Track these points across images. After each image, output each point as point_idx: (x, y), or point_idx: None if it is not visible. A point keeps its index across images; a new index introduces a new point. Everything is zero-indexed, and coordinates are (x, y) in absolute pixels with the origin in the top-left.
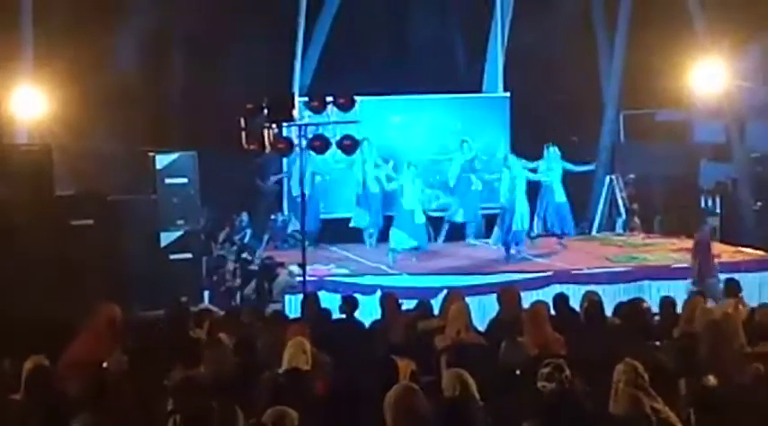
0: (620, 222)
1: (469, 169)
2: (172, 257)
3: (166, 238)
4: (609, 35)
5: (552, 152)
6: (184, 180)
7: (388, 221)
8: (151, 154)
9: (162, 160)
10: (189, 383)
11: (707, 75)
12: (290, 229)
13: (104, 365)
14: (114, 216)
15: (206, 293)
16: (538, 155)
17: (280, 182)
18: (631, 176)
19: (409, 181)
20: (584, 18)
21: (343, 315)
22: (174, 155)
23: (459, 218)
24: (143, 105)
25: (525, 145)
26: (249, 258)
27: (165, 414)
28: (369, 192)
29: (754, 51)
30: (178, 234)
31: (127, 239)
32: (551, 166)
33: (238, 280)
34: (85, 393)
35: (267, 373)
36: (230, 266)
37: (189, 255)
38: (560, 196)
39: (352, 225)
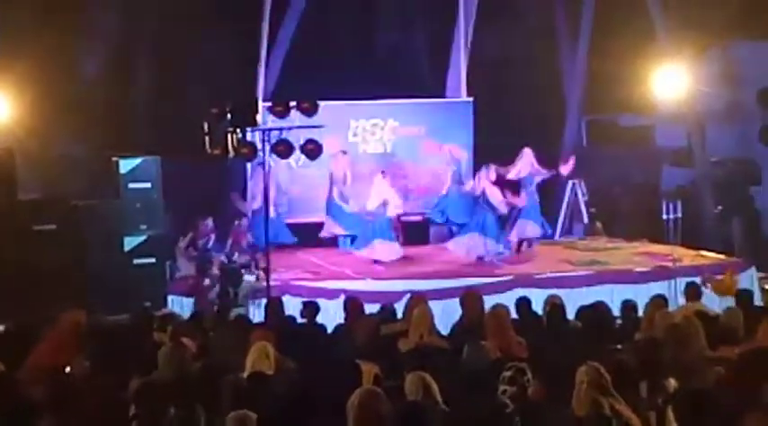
0: (581, 226)
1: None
2: (135, 262)
3: (130, 243)
4: (572, 41)
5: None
6: (148, 184)
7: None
8: (114, 158)
9: (125, 164)
10: (150, 388)
11: (669, 81)
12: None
13: (67, 370)
14: (78, 220)
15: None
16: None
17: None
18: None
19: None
20: (547, 24)
21: (305, 320)
22: (137, 160)
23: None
24: (106, 109)
25: (488, 150)
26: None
27: (127, 419)
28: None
29: (715, 57)
30: (142, 238)
31: (90, 244)
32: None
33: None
34: (48, 398)
35: (230, 377)
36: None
37: (152, 260)
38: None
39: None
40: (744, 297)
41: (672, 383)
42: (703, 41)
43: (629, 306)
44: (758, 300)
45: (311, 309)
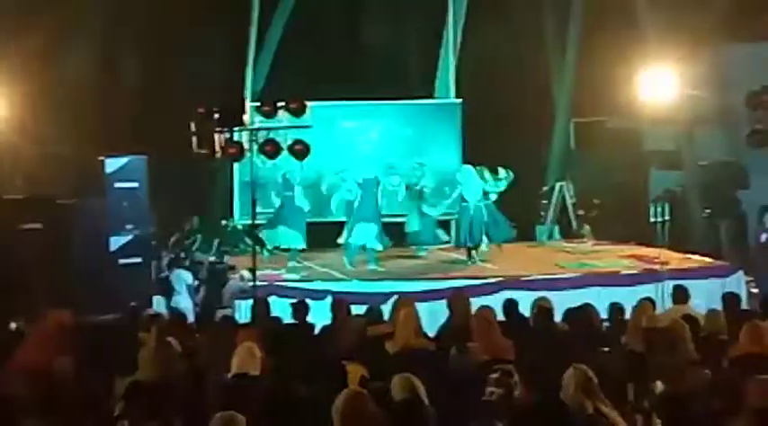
0: (569, 229)
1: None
2: (121, 262)
3: (116, 242)
4: (560, 42)
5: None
6: (134, 184)
7: None
8: (101, 157)
9: (112, 164)
10: (137, 387)
11: (657, 84)
12: None
13: (52, 369)
14: (64, 220)
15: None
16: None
17: None
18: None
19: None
20: (536, 25)
21: (295, 320)
22: (123, 159)
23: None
24: (93, 108)
25: (477, 152)
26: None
27: (111, 419)
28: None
29: (704, 60)
30: (128, 238)
31: (76, 243)
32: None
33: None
34: (33, 398)
35: (216, 377)
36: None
37: (138, 260)
38: None
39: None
40: (730, 300)
41: (659, 386)
42: (691, 44)
43: (616, 309)
44: (746, 304)
45: (301, 309)
